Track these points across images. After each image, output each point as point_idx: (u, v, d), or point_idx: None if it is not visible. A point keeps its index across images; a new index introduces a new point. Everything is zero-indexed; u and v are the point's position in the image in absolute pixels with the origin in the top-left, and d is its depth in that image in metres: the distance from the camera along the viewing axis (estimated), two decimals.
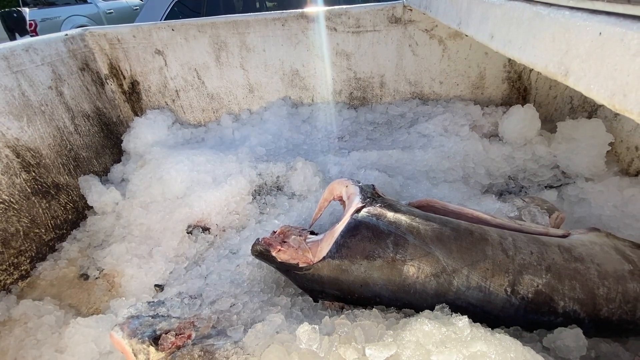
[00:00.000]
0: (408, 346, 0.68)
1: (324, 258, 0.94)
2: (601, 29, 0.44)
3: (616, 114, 1.56)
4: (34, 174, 1.50)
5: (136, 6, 8.06)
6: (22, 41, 1.56)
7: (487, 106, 2.10)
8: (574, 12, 0.50)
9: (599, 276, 0.85)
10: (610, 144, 1.51)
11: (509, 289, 0.85)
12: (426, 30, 2.00)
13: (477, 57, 2.07)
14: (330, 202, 1.18)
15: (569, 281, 0.85)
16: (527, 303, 0.85)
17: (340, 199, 1.13)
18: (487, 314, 0.87)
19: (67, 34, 1.79)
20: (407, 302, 0.90)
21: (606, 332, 0.86)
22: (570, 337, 0.80)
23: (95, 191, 1.68)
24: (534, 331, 0.86)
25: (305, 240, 1.02)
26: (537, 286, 0.85)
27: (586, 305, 0.84)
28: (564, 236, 1.00)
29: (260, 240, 1.03)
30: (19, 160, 1.44)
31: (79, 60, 1.85)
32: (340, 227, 0.96)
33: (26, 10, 7.39)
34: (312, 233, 1.09)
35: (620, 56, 0.41)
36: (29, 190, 1.47)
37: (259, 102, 2.22)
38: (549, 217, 1.13)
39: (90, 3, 7.53)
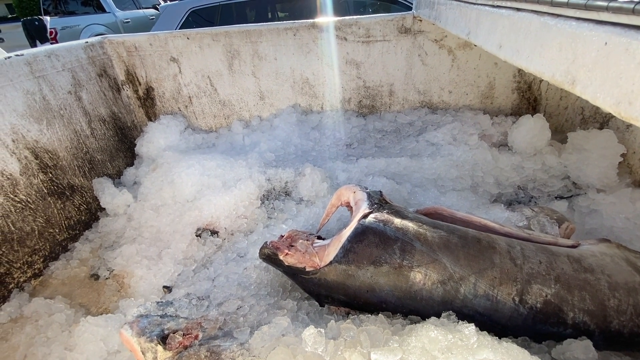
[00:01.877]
0: (414, 352, 0.68)
1: (330, 262, 0.94)
2: (607, 38, 0.45)
3: (628, 125, 1.54)
4: (50, 175, 1.55)
5: (152, 16, 8.30)
6: (44, 47, 1.63)
7: (496, 116, 2.09)
8: (580, 22, 0.51)
9: (609, 287, 0.84)
10: (622, 155, 1.49)
11: (517, 298, 0.84)
12: (436, 40, 2.02)
13: (486, 67, 2.07)
14: (337, 207, 1.19)
15: (579, 292, 0.84)
16: (535, 313, 0.84)
17: (348, 205, 1.14)
18: (495, 323, 0.86)
19: (87, 42, 1.86)
20: (413, 308, 0.90)
21: (617, 345, 0.84)
22: (580, 349, 0.78)
23: (108, 193, 1.72)
24: (543, 342, 0.85)
25: (312, 244, 1.03)
26: (546, 296, 0.84)
27: (596, 316, 0.83)
28: (573, 247, 0.98)
29: (268, 243, 1.05)
30: (37, 161, 1.49)
31: (97, 66, 1.92)
32: (347, 232, 0.96)
33: (47, 19, 7.68)
34: (319, 238, 1.10)
35: (626, 65, 0.42)
36: (45, 190, 1.51)
37: (269, 109, 2.26)
38: (559, 227, 1.12)
39: (109, 12, 7.79)
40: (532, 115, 1.78)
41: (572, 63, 0.53)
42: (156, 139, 2.04)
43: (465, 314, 0.86)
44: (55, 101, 1.61)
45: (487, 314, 0.86)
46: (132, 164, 2.07)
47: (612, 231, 1.29)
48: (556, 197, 1.55)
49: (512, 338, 0.84)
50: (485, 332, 0.75)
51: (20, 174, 1.41)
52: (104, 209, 1.75)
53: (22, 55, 1.49)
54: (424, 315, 0.87)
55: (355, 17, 2.00)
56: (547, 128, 1.74)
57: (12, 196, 1.37)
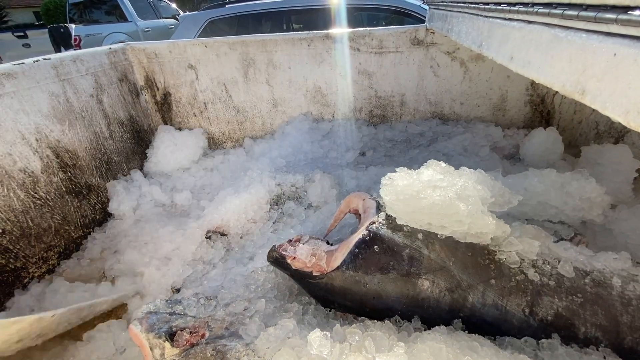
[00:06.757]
0: (419, 358, 0.68)
1: (337, 268, 0.95)
2: (616, 50, 0.46)
3: None
4: (69, 174, 1.60)
5: (172, 25, 8.57)
6: (70, 52, 1.71)
7: (508, 128, 2.09)
8: (590, 34, 0.52)
9: (622, 303, 0.82)
10: (638, 171, 1.46)
11: (526, 310, 0.83)
12: (448, 52, 2.04)
13: (499, 79, 2.08)
14: (346, 214, 1.20)
15: (591, 306, 0.83)
16: (545, 325, 0.83)
17: (357, 212, 1.15)
18: (503, 334, 0.85)
19: (110, 48, 1.94)
20: (420, 316, 0.90)
21: None
22: None
23: (121, 193, 1.76)
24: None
25: (320, 249, 1.04)
26: (557, 309, 0.83)
27: (608, 332, 0.81)
28: None
29: (276, 247, 1.06)
30: (57, 160, 1.55)
31: (119, 71, 1.99)
32: (355, 238, 0.97)
33: (72, 26, 8.02)
34: (327, 243, 1.11)
35: (634, 75, 0.43)
36: (63, 189, 1.57)
37: (281, 116, 2.29)
38: (570, 240, 1.10)
39: (130, 21, 8.08)
40: (545, 128, 1.77)
41: (582, 74, 0.53)
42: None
43: (474, 323, 0.85)
44: (77, 103, 1.68)
45: (496, 324, 0.85)
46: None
47: (626, 247, 1.26)
48: None
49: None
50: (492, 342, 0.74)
51: (41, 172, 1.47)
52: None
53: (50, 59, 1.56)
54: (431, 324, 0.86)
55: (368, 28, 2.04)
56: (560, 141, 1.73)
57: (32, 193, 1.42)
